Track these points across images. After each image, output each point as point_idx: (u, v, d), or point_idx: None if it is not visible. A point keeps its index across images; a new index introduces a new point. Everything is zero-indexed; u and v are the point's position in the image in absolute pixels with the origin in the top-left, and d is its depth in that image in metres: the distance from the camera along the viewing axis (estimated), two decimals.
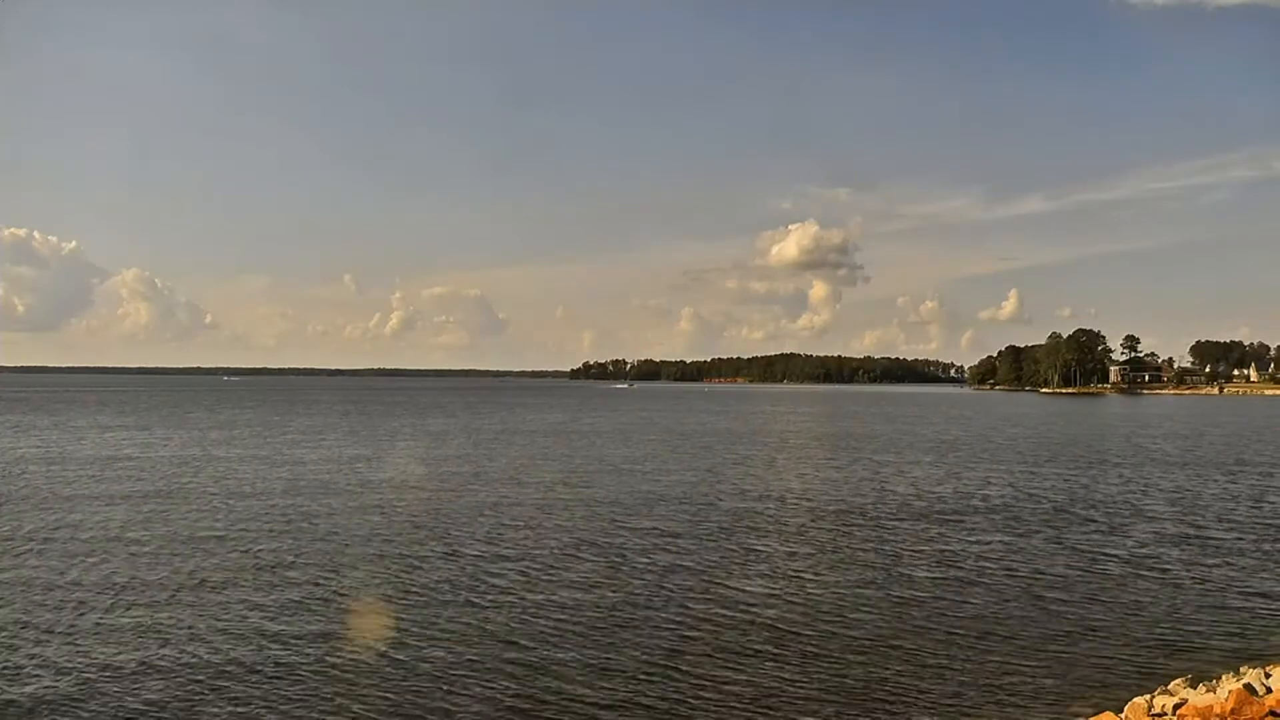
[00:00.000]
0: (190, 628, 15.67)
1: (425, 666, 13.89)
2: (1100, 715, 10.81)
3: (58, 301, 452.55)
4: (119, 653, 14.30)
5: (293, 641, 14.94)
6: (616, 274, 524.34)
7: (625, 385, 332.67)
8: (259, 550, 22.08)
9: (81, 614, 16.37)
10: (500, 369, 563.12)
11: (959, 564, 21.26)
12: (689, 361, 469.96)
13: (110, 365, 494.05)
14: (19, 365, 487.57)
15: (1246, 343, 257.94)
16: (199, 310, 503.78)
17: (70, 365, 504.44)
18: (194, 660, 14.06)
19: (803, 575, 20.15)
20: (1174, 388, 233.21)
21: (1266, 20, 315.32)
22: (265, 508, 28.67)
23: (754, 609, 17.19)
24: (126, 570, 19.83)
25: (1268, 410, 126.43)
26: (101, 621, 15.96)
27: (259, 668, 13.75)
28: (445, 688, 13.02)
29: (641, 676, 13.53)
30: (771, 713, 12.25)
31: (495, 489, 33.73)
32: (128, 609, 16.77)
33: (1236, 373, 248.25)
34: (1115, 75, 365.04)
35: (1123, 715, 10.91)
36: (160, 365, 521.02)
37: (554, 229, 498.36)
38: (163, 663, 13.93)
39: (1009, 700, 12.59)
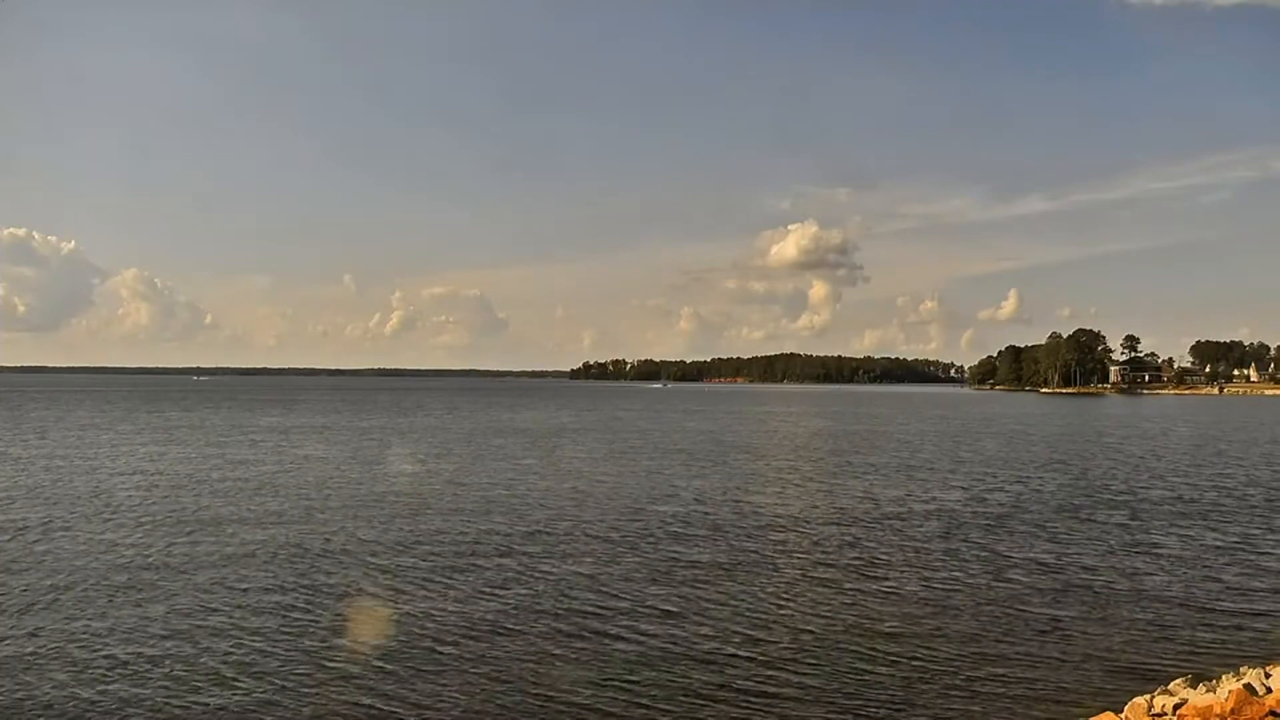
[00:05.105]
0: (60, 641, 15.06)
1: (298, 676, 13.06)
2: (1100, 715, 10.59)
3: (58, 301, 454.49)
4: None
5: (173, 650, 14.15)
6: (616, 274, 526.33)
7: (660, 385, 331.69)
8: (156, 553, 20.76)
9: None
10: (500, 369, 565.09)
11: (947, 565, 20.34)
12: (689, 361, 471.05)
13: (110, 365, 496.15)
14: (19, 365, 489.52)
15: (1246, 343, 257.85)
16: (199, 310, 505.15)
17: (70, 365, 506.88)
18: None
19: (784, 579, 19.18)
20: (1174, 388, 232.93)
21: (1266, 20, 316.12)
22: (183, 506, 27.55)
23: (727, 618, 16.21)
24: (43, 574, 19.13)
25: (1262, 410, 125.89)
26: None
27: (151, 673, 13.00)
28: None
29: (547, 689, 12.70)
30: (767, 713, 11.69)
31: (434, 490, 31.92)
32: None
33: (1236, 373, 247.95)
34: (1115, 75, 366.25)
35: (1123, 715, 10.66)
36: (160, 365, 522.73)
37: (554, 229, 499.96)
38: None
39: (1009, 701, 12.20)
